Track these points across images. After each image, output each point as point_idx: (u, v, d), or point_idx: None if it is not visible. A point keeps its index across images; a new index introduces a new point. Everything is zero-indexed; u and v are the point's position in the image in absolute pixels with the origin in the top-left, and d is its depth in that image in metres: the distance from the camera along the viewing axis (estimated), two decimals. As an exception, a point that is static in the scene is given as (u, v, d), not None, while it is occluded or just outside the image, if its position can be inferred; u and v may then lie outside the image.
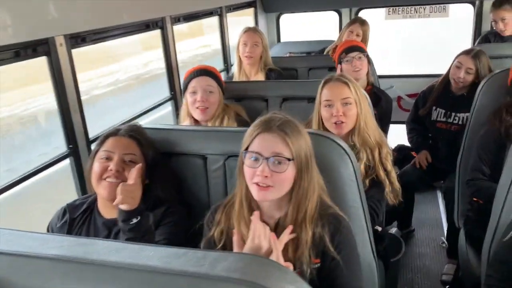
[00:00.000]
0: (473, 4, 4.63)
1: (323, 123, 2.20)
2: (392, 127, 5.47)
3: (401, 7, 4.81)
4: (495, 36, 4.13)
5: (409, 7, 4.78)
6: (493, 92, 2.67)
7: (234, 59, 3.45)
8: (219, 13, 3.78)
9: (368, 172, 2.09)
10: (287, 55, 4.76)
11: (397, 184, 2.12)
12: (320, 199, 1.48)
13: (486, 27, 4.63)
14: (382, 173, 2.09)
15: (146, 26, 2.76)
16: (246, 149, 1.43)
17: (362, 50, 3.08)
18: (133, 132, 1.74)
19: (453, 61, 3.24)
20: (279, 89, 2.74)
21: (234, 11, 4.31)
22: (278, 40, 5.27)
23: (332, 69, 3.37)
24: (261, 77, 3.30)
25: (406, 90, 5.06)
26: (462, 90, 3.21)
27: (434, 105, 3.36)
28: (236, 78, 3.35)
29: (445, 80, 3.31)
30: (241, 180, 1.46)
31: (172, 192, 1.79)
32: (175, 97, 3.09)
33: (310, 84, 2.64)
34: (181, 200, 1.83)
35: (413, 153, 4.91)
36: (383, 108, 3.10)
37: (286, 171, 1.38)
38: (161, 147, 1.83)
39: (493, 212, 1.96)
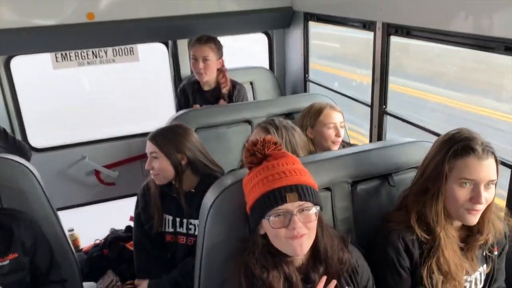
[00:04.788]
0: (166, 44, 3.71)
1: None
2: (97, 208, 4.18)
3: (74, 51, 3.45)
4: (193, 90, 3.29)
5: (85, 50, 3.47)
6: (224, 215, 1.65)
7: None
8: None
9: None
10: None
11: None
12: None
13: (185, 71, 3.80)
14: None
15: None
16: None
17: None
18: None
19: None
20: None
21: None
22: None
23: None
24: None
25: (102, 160, 3.78)
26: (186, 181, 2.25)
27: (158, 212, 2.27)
28: None
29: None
30: None
31: None
32: None
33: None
34: None
35: (129, 244, 3.72)
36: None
37: None
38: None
39: None
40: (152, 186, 2.26)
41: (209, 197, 1.66)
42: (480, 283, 1.74)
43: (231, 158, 2.58)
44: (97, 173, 3.79)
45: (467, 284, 1.70)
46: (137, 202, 2.37)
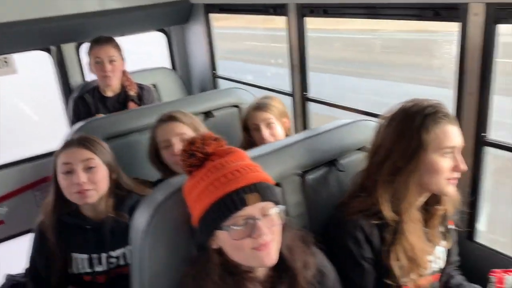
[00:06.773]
0: (48, 50, 3.19)
1: None
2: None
3: None
4: (94, 98, 2.88)
5: None
6: (165, 236, 1.35)
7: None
8: None
9: None
10: None
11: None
12: None
13: (75, 79, 3.32)
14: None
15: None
16: None
17: None
18: None
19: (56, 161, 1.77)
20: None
21: None
22: None
23: None
24: None
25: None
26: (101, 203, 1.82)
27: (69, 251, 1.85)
28: None
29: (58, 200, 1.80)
30: None
31: None
32: None
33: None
34: None
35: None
36: None
37: None
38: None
39: None
40: (47, 219, 1.81)
41: (140, 219, 1.35)
42: (440, 259, 1.66)
43: (148, 168, 2.25)
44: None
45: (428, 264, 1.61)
46: (33, 243, 1.88)
